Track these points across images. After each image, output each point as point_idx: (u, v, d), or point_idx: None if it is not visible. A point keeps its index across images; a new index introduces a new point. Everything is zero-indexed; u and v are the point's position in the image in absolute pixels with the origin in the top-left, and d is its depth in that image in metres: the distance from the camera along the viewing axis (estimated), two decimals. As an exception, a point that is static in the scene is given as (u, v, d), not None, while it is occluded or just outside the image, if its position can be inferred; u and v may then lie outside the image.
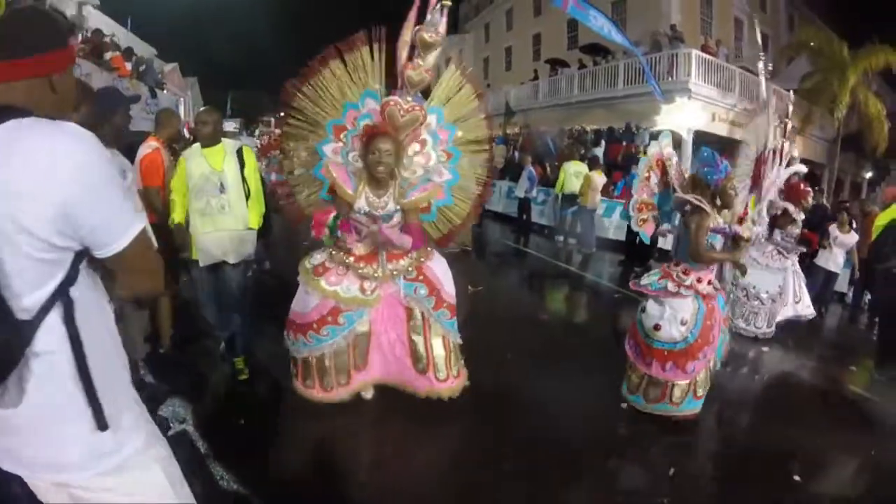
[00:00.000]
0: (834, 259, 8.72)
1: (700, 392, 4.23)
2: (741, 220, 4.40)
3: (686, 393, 4.17)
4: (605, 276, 10.42)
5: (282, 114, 3.97)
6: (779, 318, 6.90)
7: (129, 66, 14.67)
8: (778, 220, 6.76)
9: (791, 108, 6.65)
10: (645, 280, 4.33)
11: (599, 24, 15.94)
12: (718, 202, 4.17)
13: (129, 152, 4.09)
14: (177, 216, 4.08)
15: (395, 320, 3.83)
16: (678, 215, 4.42)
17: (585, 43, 22.36)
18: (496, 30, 34.07)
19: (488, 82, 30.94)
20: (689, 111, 17.68)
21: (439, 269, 3.91)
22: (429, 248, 3.96)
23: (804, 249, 6.97)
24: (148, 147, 4.40)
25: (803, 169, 6.78)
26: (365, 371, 3.87)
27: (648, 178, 4.67)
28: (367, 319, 3.77)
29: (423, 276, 3.80)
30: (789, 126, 6.28)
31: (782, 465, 3.81)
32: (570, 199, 12.82)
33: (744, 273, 4.69)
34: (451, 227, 4.19)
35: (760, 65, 6.46)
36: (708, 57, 18.42)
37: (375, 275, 3.68)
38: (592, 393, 4.64)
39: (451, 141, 3.92)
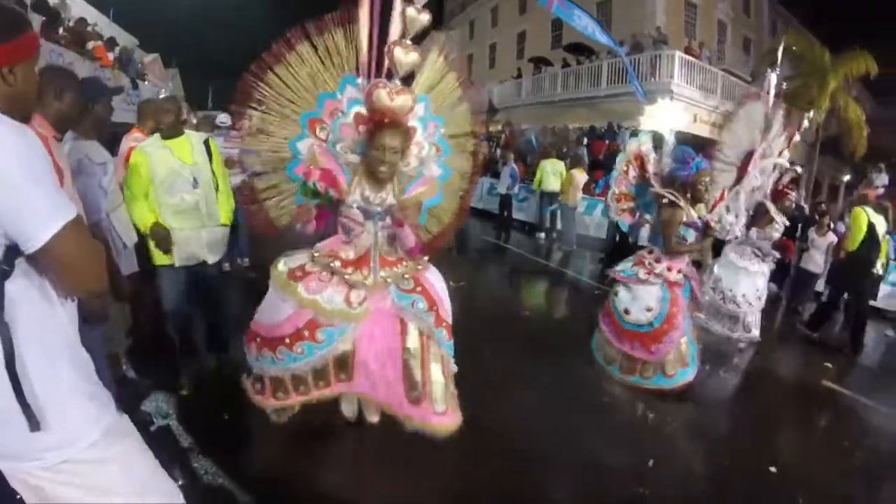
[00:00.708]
0: (813, 260, 8.86)
1: (670, 371, 4.60)
2: (714, 206, 4.91)
3: (656, 371, 4.61)
4: (586, 272, 10.37)
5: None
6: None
7: (111, 56, 14.39)
8: (756, 218, 6.72)
9: (806, 123, 6.73)
10: (619, 267, 4.78)
11: (584, 24, 16.01)
12: (689, 196, 4.53)
13: (112, 144, 3.97)
14: (150, 216, 3.66)
15: (386, 337, 3.14)
16: (656, 207, 4.73)
17: (569, 42, 22.46)
18: (481, 27, 34.05)
19: (472, 79, 30.82)
20: (670, 112, 17.76)
21: (437, 282, 3.36)
22: (425, 258, 3.45)
23: (778, 256, 6.96)
24: (132, 140, 4.27)
25: (797, 168, 6.83)
26: (348, 383, 3.20)
27: (627, 171, 4.98)
28: (351, 337, 3.11)
29: (422, 287, 3.23)
30: (795, 138, 6.35)
31: (758, 457, 3.91)
32: (551, 196, 12.87)
33: (705, 266, 4.94)
34: (442, 228, 3.68)
35: (773, 78, 6.50)
36: (690, 59, 18.62)
37: (366, 282, 3.13)
38: (571, 387, 4.72)
39: (438, 133, 3.45)
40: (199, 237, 3.82)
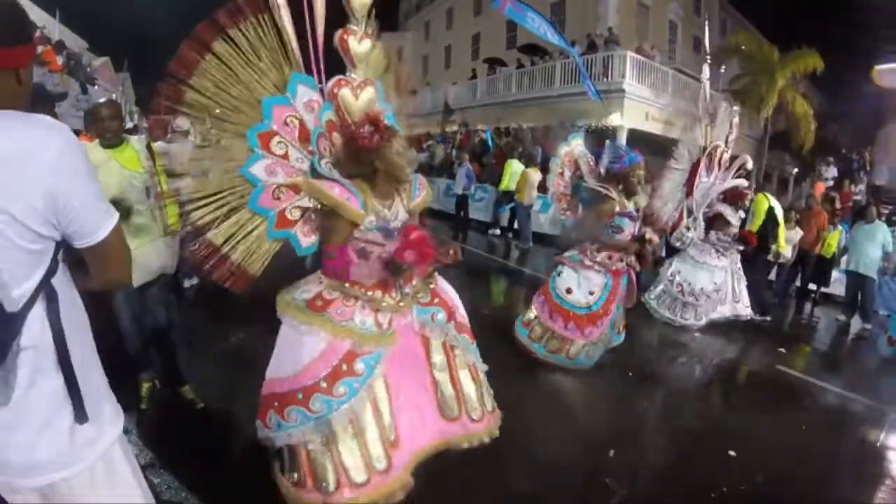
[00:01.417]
0: (782, 254, 9.07)
1: (592, 353, 4.85)
2: (674, 228, 5.86)
3: (579, 352, 4.81)
4: (543, 269, 10.26)
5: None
6: (715, 315, 7.03)
7: (59, 60, 13.90)
8: (714, 223, 6.97)
9: (736, 119, 7.00)
10: (566, 254, 5.01)
11: (536, 25, 16.05)
12: (623, 189, 4.77)
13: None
14: None
15: (412, 361, 2.86)
16: (593, 202, 4.93)
17: (524, 43, 22.55)
18: (436, 28, 34.07)
19: (427, 80, 30.88)
20: (623, 111, 17.93)
21: (449, 289, 3.15)
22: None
23: (741, 248, 7.14)
24: None
25: (749, 165, 7.08)
26: (398, 447, 2.66)
27: (562, 174, 5.28)
28: (384, 364, 2.67)
29: (439, 298, 3.00)
30: (733, 134, 6.81)
31: (717, 442, 4.03)
32: (508, 195, 12.98)
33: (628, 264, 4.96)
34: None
35: (705, 73, 6.83)
36: (642, 59, 18.86)
37: (399, 304, 2.79)
38: (533, 382, 4.78)
39: (390, 119, 2.97)
40: (157, 250, 3.52)
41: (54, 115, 3.21)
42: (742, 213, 7.38)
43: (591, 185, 4.87)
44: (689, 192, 6.32)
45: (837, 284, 9.99)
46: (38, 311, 1.32)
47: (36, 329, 1.31)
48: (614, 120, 17.78)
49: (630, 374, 5.11)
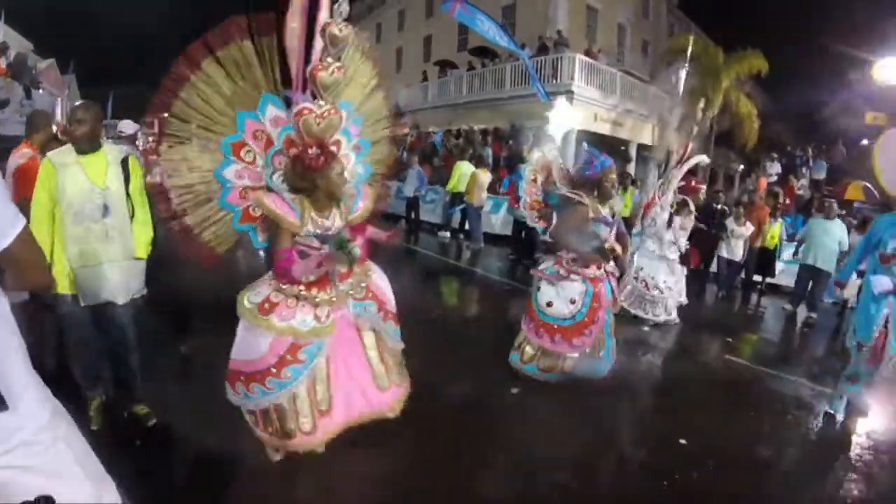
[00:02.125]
0: (731, 249, 9.49)
1: (593, 363, 4.70)
2: (646, 211, 6.26)
3: (576, 364, 4.66)
4: (495, 270, 10.58)
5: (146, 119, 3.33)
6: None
7: (3, 62, 13.38)
8: (680, 211, 7.32)
9: (696, 128, 7.30)
10: (542, 266, 4.86)
11: (486, 28, 16.19)
12: (597, 194, 4.60)
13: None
14: (48, 240, 3.15)
15: (349, 344, 3.41)
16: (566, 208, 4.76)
17: (475, 45, 22.60)
18: (388, 30, 33.85)
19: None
20: (572, 112, 17.98)
21: (382, 281, 3.59)
22: (368, 262, 3.55)
23: (686, 246, 7.48)
24: (21, 156, 3.85)
25: (705, 160, 7.31)
26: (329, 416, 3.31)
27: (535, 181, 5.08)
28: (326, 350, 3.24)
29: (371, 292, 3.46)
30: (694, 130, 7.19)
31: (668, 431, 4.15)
32: (459, 197, 12.95)
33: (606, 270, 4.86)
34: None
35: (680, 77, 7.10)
36: (591, 61, 19.10)
37: (332, 299, 3.25)
38: (486, 381, 4.84)
39: (360, 133, 3.46)
40: (107, 274, 3.27)
41: None
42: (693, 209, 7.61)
43: (563, 191, 4.72)
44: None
45: (782, 275, 10.38)
46: None
47: None
48: (563, 121, 17.77)
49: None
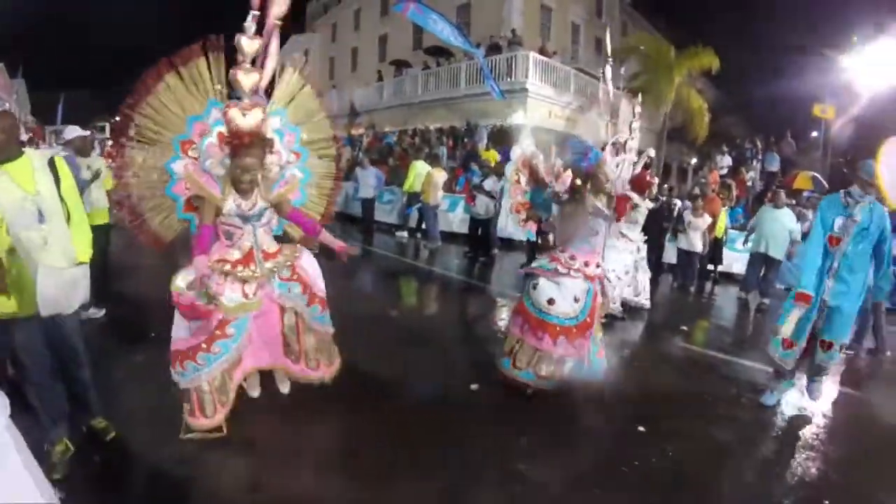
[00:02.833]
0: (689, 241, 9.58)
1: (596, 363, 4.46)
2: None
3: (578, 367, 4.35)
4: (453, 268, 10.55)
5: (117, 118, 3.70)
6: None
7: None
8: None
9: (639, 108, 7.18)
10: (536, 263, 4.52)
11: (440, 28, 16.12)
12: (590, 187, 4.36)
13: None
14: None
15: (267, 316, 3.72)
16: (555, 206, 4.57)
17: (430, 45, 22.55)
18: (343, 30, 33.70)
19: (334, 83, 30.65)
20: (526, 109, 18.22)
21: (310, 265, 3.85)
22: (297, 245, 3.90)
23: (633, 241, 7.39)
24: None
25: (651, 153, 7.25)
26: (239, 367, 3.67)
27: (518, 181, 4.87)
28: (252, 324, 3.63)
29: (297, 274, 3.75)
30: (635, 125, 6.80)
31: (627, 419, 4.17)
32: (415, 196, 12.91)
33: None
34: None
35: (608, 70, 6.98)
36: (545, 59, 19.25)
37: (255, 275, 3.53)
38: (446, 378, 4.79)
39: (297, 142, 3.92)
40: (49, 284, 2.94)
41: None
42: (650, 203, 7.48)
43: (557, 189, 4.44)
44: None
45: (734, 263, 10.67)
46: None
47: None
48: (518, 118, 18.01)
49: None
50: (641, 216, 7.25)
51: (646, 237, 7.49)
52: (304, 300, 3.75)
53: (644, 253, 7.46)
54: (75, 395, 3.39)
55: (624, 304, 7.30)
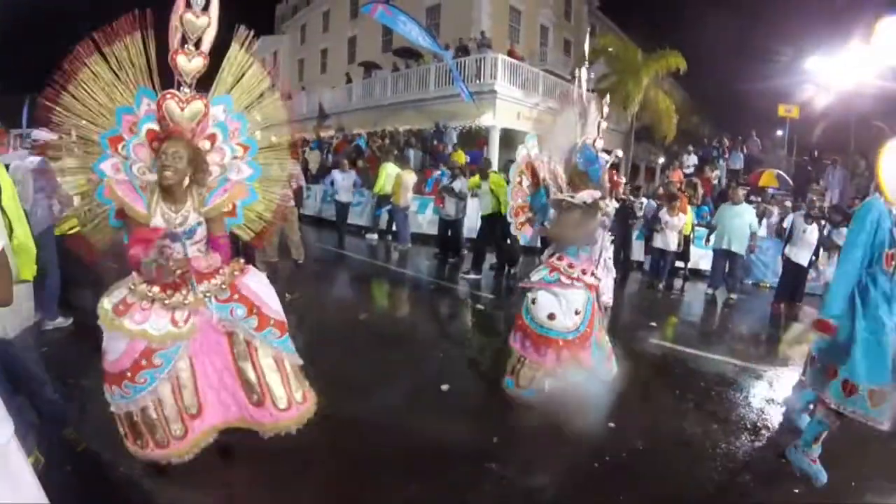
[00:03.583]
0: (665, 240, 9.76)
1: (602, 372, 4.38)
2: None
3: (589, 380, 4.23)
4: (423, 269, 10.64)
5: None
6: None
7: None
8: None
9: (606, 109, 7.16)
10: (535, 276, 4.28)
11: (408, 30, 16.20)
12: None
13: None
14: None
15: (216, 349, 3.15)
16: (553, 212, 4.43)
17: (399, 46, 22.57)
18: (312, 31, 33.56)
19: (303, 85, 30.51)
20: (495, 111, 18.43)
21: (256, 283, 3.24)
22: (241, 261, 3.30)
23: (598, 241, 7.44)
24: None
25: (619, 153, 7.24)
26: (200, 418, 3.13)
27: (521, 183, 4.71)
28: (185, 354, 3.05)
29: (238, 294, 3.15)
30: (603, 125, 6.81)
31: (598, 414, 4.10)
32: (385, 198, 12.91)
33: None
34: (264, 225, 3.47)
35: (582, 72, 6.91)
36: (513, 61, 19.39)
37: (185, 302, 3.02)
38: (416, 379, 4.81)
39: (244, 132, 3.27)
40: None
41: None
42: (615, 203, 7.50)
43: (563, 196, 4.18)
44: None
45: (701, 260, 10.89)
46: None
47: None
48: (487, 120, 18.13)
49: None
50: (609, 218, 7.22)
51: (612, 236, 7.52)
52: (253, 323, 3.15)
53: (611, 252, 7.49)
54: (42, 411, 3.27)
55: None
